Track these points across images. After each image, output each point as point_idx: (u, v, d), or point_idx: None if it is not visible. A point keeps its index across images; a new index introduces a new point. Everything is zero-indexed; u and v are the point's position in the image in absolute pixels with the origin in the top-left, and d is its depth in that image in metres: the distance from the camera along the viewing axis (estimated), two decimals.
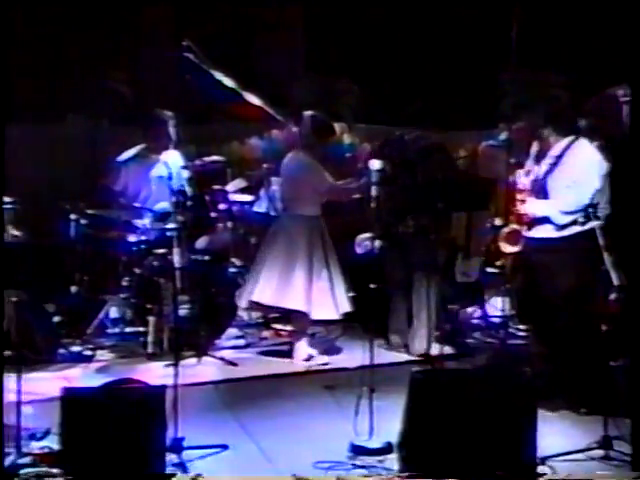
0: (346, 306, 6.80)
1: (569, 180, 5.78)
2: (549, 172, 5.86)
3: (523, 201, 5.88)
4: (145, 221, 6.98)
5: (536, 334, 6.03)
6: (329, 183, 6.82)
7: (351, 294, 6.84)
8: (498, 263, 7.24)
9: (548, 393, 5.60)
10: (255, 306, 6.94)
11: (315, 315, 6.77)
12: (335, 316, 6.80)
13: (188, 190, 6.84)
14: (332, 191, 6.85)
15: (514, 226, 5.94)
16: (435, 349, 6.81)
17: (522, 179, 5.95)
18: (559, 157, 5.85)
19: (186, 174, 7.06)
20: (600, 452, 5.15)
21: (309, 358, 6.82)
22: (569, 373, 5.77)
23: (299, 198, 6.83)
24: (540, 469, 4.94)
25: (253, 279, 6.84)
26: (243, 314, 7.39)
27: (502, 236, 6.01)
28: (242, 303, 6.95)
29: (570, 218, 5.75)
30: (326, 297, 6.74)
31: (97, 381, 5.68)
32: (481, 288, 7.48)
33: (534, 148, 6.02)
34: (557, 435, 5.37)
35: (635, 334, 5.11)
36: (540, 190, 5.86)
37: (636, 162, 5.20)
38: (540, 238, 5.86)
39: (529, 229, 5.88)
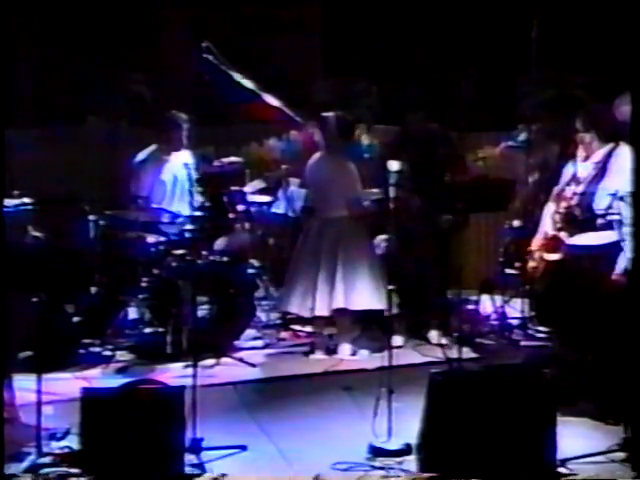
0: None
1: (616, 189, 5.69)
2: (594, 180, 5.79)
3: (569, 207, 5.82)
4: (163, 222, 6.99)
5: (564, 339, 5.96)
6: (356, 192, 6.71)
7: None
8: (517, 265, 7.23)
9: (571, 398, 5.56)
10: (337, 314, 6.81)
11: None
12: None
13: (204, 191, 6.84)
14: (354, 202, 6.73)
15: (554, 233, 5.87)
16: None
17: (571, 187, 5.87)
18: (602, 165, 5.79)
19: (197, 175, 7.07)
20: (621, 454, 5.13)
21: (354, 353, 6.81)
22: (596, 380, 5.71)
23: (334, 200, 6.73)
24: (560, 471, 4.93)
25: (324, 285, 6.68)
26: (261, 315, 7.39)
27: (542, 244, 5.93)
28: (308, 312, 6.80)
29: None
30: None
31: (116, 382, 5.69)
32: None
33: (580, 154, 5.96)
34: (578, 437, 5.34)
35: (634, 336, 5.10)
36: (585, 198, 5.79)
37: (637, 162, 5.17)
38: (581, 246, 5.79)
39: (570, 236, 5.82)
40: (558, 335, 6.08)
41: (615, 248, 5.65)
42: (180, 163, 6.92)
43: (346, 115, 7.01)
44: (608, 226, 5.70)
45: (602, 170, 5.79)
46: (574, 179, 5.91)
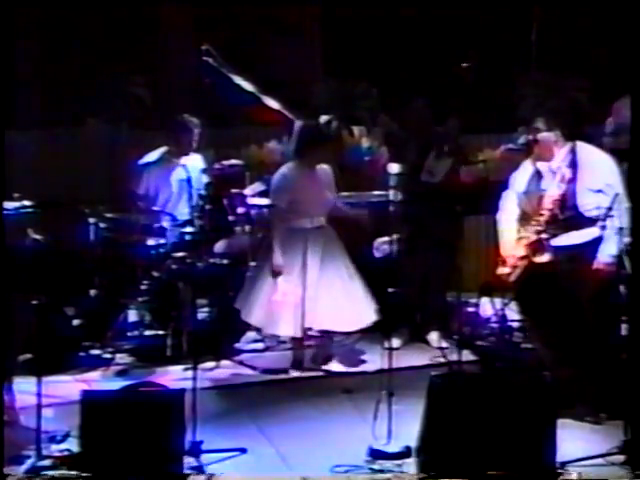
0: (329, 322, 6.50)
1: (596, 185, 5.71)
2: (566, 179, 5.78)
3: (550, 209, 5.79)
4: (164, 225, 7.00)
5: (551, 338, 5.94)
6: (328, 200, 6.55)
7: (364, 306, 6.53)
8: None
9: (567, 400, 5.56)
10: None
11: (270, 329, 6.57)
12: (293, 333, 6.50)
13: (206, 194, 6.86)
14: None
15: (536, 236, 5.83)
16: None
17: (553, 188, 5.84)
18: (570, 163, 5.78)
19: (205, 179, 7.09)
20: (621, 457, 5.13)
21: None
22: (588, 378, 5.72)
23: (306, 210, 6.60)
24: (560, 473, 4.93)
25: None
26: None
27: (528, 246, 5.88)
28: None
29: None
30: (287, 312, 6.44)
31: (116, 384, 5.69)
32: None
33: (542, 154, 5.92)
34: (577, 440, 5.34)
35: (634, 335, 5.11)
36: (565, 198, 5.78)
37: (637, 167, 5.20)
38: (564, 246, 5.78)
39: (553, 237, 5.80)
40: (547, 335, 6.01)
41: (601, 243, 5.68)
42: (183, 166, 6.92)
43: (315, 124, 6.84)
44: (594, 222, 5.70)
45: (573, 168, 5.77)
46: (539, 180, 5.87)
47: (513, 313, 7.44)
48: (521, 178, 5.97)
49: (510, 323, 7.39)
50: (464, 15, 9.19)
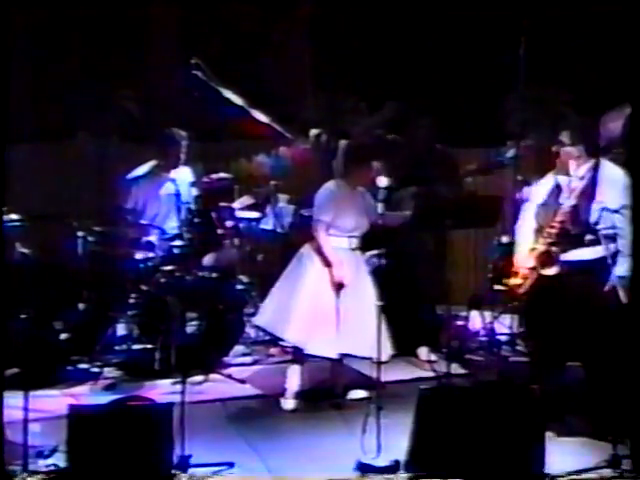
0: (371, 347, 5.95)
1: (614, 205, 5.66)
2: (584, 195, 5.77)
3: (562, 222, 5.78)
4: (153, 238, 6.99)
5: (554, 352, 5.92)
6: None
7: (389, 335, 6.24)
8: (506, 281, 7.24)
9: (559, 414, 5.55)
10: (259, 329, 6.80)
11: (311, 349, 6.32)
12: (332, 354, 6.30)
13: (194, 208, 6.86)
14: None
15: (546, 248, 5.82)
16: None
17: (558, 201, 5.83)
18: (591, 179, 5.76)
19: (194, 191, 7.10)
20: (609, 471, 5.13)
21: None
22: (588, 395, 5.71)
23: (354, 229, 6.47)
24: None
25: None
26: (250, 331, 7.38)
27: (537, 258, 5.86)
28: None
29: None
30: (328, 332, 6.28)
31: (104, 399, 5.68)
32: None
33: (562, 168, 5.91)
34: (566, 454, 5.34)
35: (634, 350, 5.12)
36: (579, 213, 5.78)
37: (636, 177, 5.20)
38: (571, 261, 5.78)
39: (563, 251, 5.79)
40: (548, 349, 6.01)
41: (610, 261, 5.67)
42: (172, 179, 6.93)
43: (358, 141, 6.84)
44: (604, 240, 5.69)
45: (592, 185, 5.76)
46: (559, 193, 5.88)
47: (502, 326, 7.47)
48: (541, 191, 5.96)
49: (499, 336, 7.41)
50: (453, 29, 9.22)
